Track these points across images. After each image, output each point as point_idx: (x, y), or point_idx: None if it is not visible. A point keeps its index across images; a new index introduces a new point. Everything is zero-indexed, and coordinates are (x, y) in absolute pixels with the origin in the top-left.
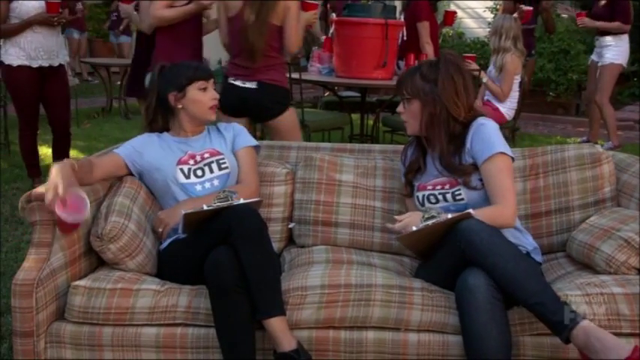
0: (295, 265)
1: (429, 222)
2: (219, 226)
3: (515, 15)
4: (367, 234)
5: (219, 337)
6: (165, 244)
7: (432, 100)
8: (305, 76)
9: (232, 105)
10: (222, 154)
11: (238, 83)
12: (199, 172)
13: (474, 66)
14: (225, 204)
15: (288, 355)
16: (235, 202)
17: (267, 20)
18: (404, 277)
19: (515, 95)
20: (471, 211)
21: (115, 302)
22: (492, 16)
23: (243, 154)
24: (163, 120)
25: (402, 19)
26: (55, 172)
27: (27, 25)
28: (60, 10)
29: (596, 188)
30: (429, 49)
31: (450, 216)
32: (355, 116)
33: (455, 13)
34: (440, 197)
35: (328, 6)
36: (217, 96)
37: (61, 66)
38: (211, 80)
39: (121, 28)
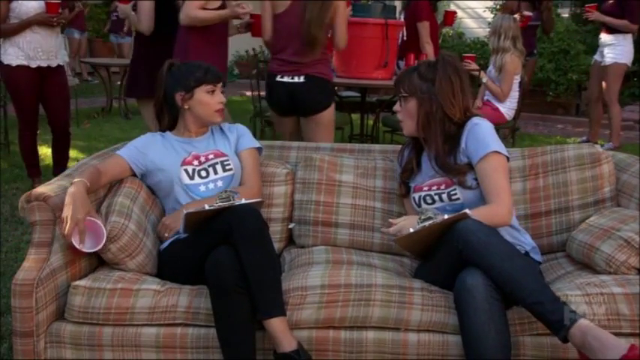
0: (295, 265)
1: (426, 223)
2: (220, 226)
3: (515, 15)
4: (367, 234)
5: (220, 337)
6: (165, 244)
7: (428, 99)
8: None
9: (281, 102)
10: (226, 155)
11: (286, 79)
12: (204, 173)
13: (474, 66)
14: (226, 204)
15: (289, 356)
16: (237, 202)
17: (327, 14)
18: (404, 278)
19: (515, 95)
20: (467, 211)
21: (115, 302)
22: (492, 16)
23: (246, 155)
24: (170, 117)
25: (402, 19)
26: (72, 198)
27: (26, 25)
28: (60, 11)
29: (596, 188)
30: (429, 49)
31: (446, 216)
32: (355, 116)
33: (455, 13)
34: (436, 197)
35: None
36: (224, 100)
37: (60, 66)
38: (220, 84)
39: (125, 29)
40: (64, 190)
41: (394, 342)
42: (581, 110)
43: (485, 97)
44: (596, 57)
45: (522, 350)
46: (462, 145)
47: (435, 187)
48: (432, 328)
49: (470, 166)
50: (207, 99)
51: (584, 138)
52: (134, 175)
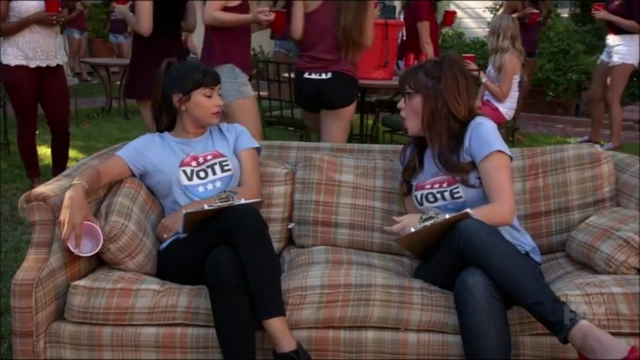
0: (295, 265)
1: (427, 223)
2: (220, 226)
3: (514, 15)
4: (367, 234)
5: (219, 338)
6: (165, 244)
7: (433, 96)
8: None
9: (308, 98)
10: (225, 156)
11: (313, 76)
12: (202, 174)
13: (473, 66)
14: (226, 204)
15: (288, 356)
16: (236, 203)
17: (365, 17)
18: (403, 277)
19: (514, 95)
20: (468, 210)
21: (114, 302)
22: (492, 16)
23: (245, 155)
24: (168, 117)
25: (402, 19)
26: (70, 202)
27: (26, 23)
28: (59, 9)
29: (596, 188)
30: (429, 49)
31: (447, 216)
32: (355, 116)
33: (454, 13)
34: (438, 196)
35: None
36: (221, 103)
37: (59, 66)
38: (217, 86)
39: (129, 30)
40: (64, 190)
41: (394, 342)
42: (580, 110)
43: (485, 97)
44: (603, 57)
45: (522, 350)
46: (466, 143)
47: (437, 186)
48: (432, 328)
49: (473, 165)
50: (204, 102)
51: (586, 138)
52: (134, 175)
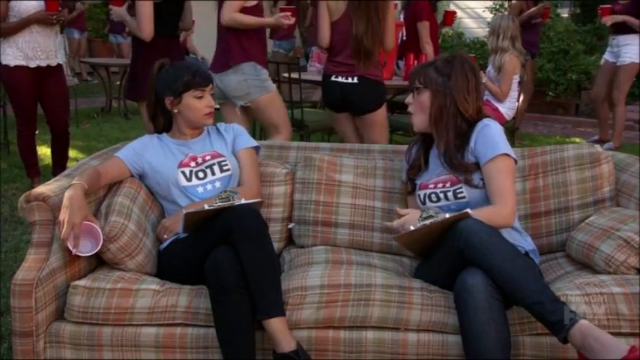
0: (295, 265)
1: (427, 222)
2: (220, 226)
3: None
4: (367, 234)
5: (219, 337)
6: (165, 244)
7: (443, 93)
8: (305, 76)
9: (335, 100)
10: (223, 156)
11: (340, 79)
12: (201, 175)
13: None
14: (226, 204)
15: (288, 356)
16: (237, 202)
17: (377, 25)
18: (403, 277)
19: (514, 95)
20: (468, 210)
21: (114, 302)
22: (492, 16)
23: (243, 155)
24: (164, 118)
25: (402, 19)
26: (69, 202)
27: (26, 23)
28: (59, 9)
29: (596, 188)
30: (429, 49)
31: (447, 215)
32: None
33: (454, 13)
34: (441, 195)
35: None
36: (213, 103)
37: (59, 65)
38: (209, 87)
39: (127, 30)
40: (64, 190)
41: (394, 342)
42: (580, 110)
43: (485, 97)
44: (607, 57)
45: (522, 350)
46: (471, 144)
47: (440, 185)
48: (432, 328)
49: (477, 166)
50: (196, 104)
51: (595, 138)
52: (133, 176)
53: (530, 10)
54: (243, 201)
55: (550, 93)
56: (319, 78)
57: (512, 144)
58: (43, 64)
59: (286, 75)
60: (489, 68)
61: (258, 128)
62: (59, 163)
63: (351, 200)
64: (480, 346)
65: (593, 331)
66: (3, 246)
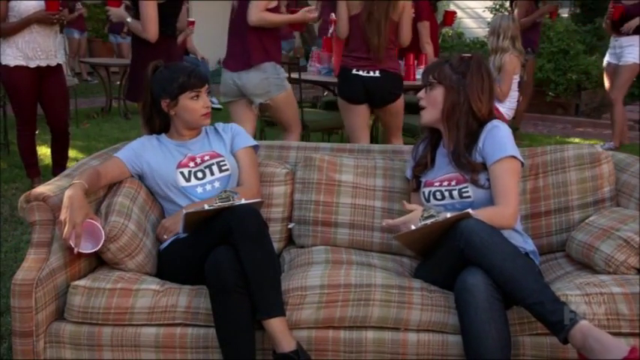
0: (295, 265)
1: (428, 221)
2: (220, 226)
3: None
4: (367, 234)
5: (219, 338)
6: (165, 244)
7: (457, 90)
8: (304, 76)
9: (357, 93)
10: (222, 156)
11: (362, 73)
12: (200, 175)
13: None
14: (226, 204)
15: (288, 356)
16: (237, 203)
17: (391, 19)
18: (403, 277)
19: (514, 95)
20: (470, 210)
21: (114, 302)
22: (492, 16)
23: (242, 154)
24: (160, 120)
25: None
26: (70, 201)
27: (26, 23)
28: (60, 9)
29: (596, 188)
30: (429, 49)
31: (449, 215)
32: None
33: (454, 13)
34: (446, 194)
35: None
36: (209, 104)
37: (58, 66)
38: (205, 87)
39: (125, 30)
40: (64, 190)
41: (394, 342)
42: (580, 110)
43: None
44: (610, 59)
45: (522, 350)
46: (480, 144)
47: (445, 183)
48: (432, 328)
49: (484, 166)
50: (192, 105)
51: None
52: (133, 176)
53: (540, 10)
54: (243, 201)
55: (550, 93)
56: (319, 78)
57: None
58: (43, 64)
59: (286, 75)
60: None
61: (259, 129)
62: (59, 163)
63: (351, 200)
64: (480, 346)
65: (594, 332)
66: (3, 246)
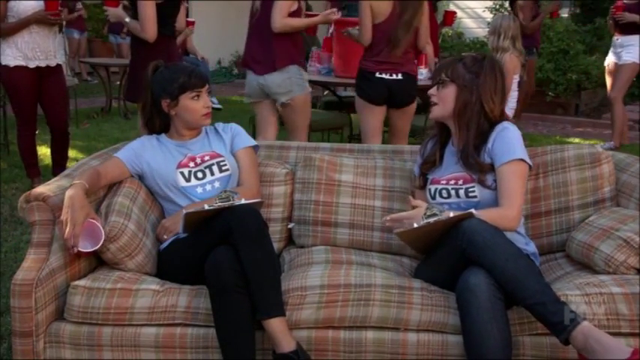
0: (295, 265)
1: (431, 220)
2: (220, 226)
3: (516, 15)
4: (367, 234)
5: (219, 338)
6: (165, 244)
7: (469, 89)
8: None
9: (380, 94)
10: (222, 156)
11: (385, 76)
12: (200, 175)
13: None
14: (226, 204)
15: (287, 356)
16: (237, 203)
17: (415, 24)
18: (403, 277)
19: (514, 95)
20: (472, 210)
21: (114, 302)
22: (492, 16)
23: (242, 154)
24: (160, 120)
25: None
26: (70, 201)
27: (25, 23)
28: (59, 9)
29: (596, 188)
30: (428, 49)
31: (451, 214)
32: (355, 116)
33: (454, 13)
34: (452, 192)
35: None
36: (210, 104)
37: (58, 66)
38: (205, 87)
39: (125, 30)
40: (64, 190)
41: (393, 342)
42: (580, 110)
43: None
44: (612, 59)
45: (522, 350)
46: (489, 145)
47: (452, 182)
48: (432, 328)
49: (492, 167)
50: (193, 105)
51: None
52: (133, 176)
53: (546, 9)
54: (243, 201)
55: (550, 93)
56: (319, 78)
57: None
58: (43, 64)
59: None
60: None
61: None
62: (59, 163)
63: (351, 200)
64: (482, 346)
65: (595, 333)
66: (3, 246)
